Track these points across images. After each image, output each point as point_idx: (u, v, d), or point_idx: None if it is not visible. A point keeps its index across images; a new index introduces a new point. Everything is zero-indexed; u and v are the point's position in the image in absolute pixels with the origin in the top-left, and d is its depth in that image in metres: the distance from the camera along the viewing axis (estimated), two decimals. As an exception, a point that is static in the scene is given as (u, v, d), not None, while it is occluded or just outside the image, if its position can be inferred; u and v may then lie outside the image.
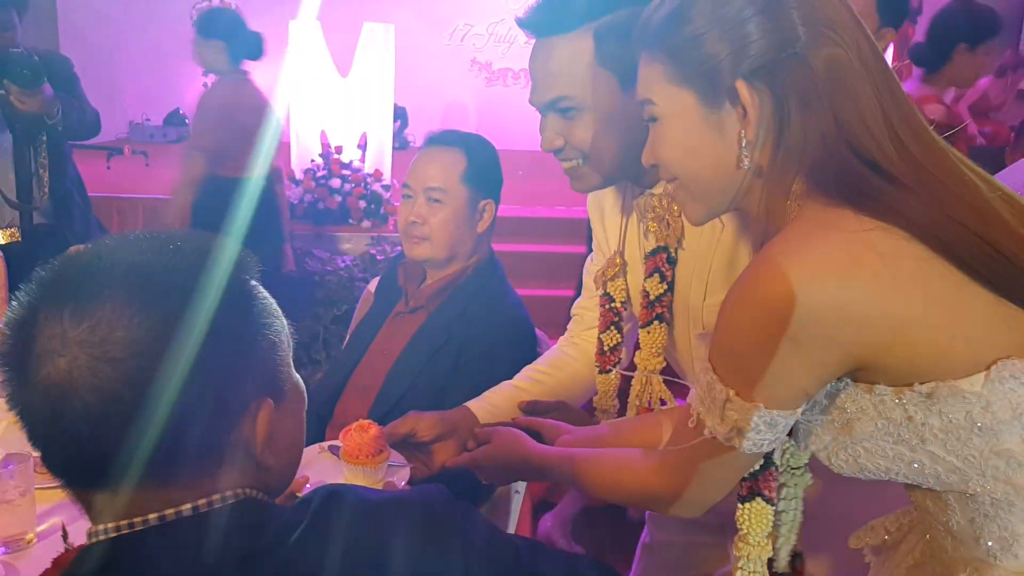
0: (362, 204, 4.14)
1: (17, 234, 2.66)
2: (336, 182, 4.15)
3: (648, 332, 1.28)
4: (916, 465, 0.86)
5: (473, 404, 1.45)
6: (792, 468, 0.95)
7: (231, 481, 0.75)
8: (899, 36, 2.72)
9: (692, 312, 1.26)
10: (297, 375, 0.86)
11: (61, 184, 2.73)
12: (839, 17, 0.84)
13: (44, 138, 2.64)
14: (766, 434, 0.85)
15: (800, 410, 0.86)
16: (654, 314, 1.27)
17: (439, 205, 1.74)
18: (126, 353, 0.69)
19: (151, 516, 0.72)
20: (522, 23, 1.20)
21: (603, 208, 1.42)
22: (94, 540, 0.73)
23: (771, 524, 0.98)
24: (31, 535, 1.34)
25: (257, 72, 7.82)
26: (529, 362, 1.61)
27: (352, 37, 4.48)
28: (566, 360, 1.55)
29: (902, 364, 0.81)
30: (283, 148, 4.70)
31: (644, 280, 1.26)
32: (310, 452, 1.47)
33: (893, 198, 0.81)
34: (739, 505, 0.98)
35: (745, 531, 0.98)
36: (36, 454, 1.44)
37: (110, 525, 0.72)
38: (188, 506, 0.73)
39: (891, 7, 2.33)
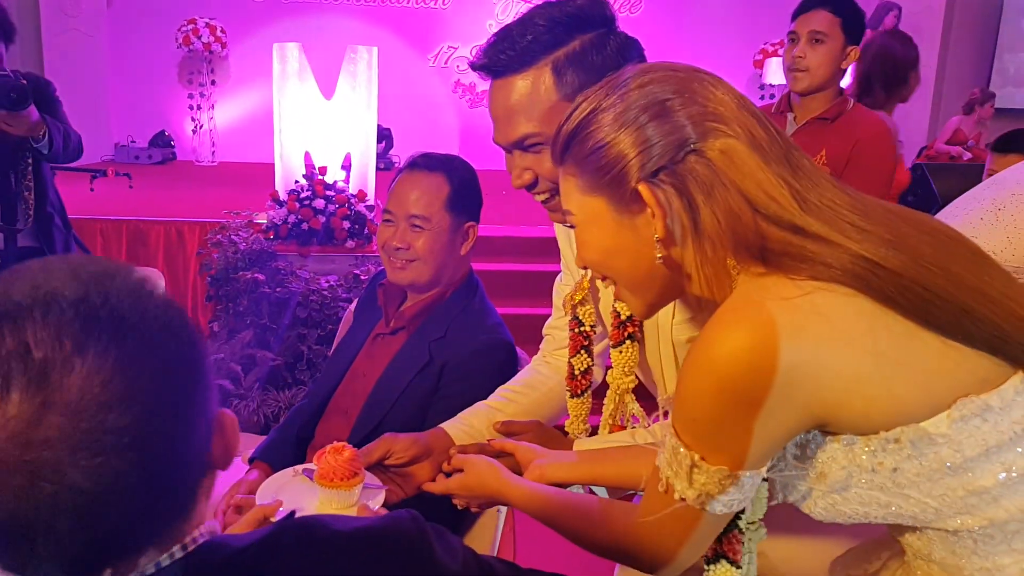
0: (346, 225, 4.16)
1: (-1, 257, 2.68)
2: (320, 203, 4.16)
3: (620, 352, 1.30)
4: (893, 508, 0.88)
5: (448, 425, 1.46)
6: (748, 523, 0.97)
7: (196, 520, 0.71)
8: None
9: (662, 331, 1.28)
10: None
11: (43, 207, 2.74)
12: (724, 109, 0.90)
13: (29, 160, 2.66)
14: (735, 495, 0.87)
15: (765, 468, 0.88)
16: (625, 334, 1.29)
17: (422, 231, 1.74)
18: (89, 424, 0.59)
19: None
20: (476, 66, 1.20)
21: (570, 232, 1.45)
22: None
23: None
24: None
25: (242, 93, 7.82)
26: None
27: (336, 59, 4.52)
28: (540, 379, 1.56)
29: (862, 416, 0.84)
30: (268, 169, 4.73)
31: (614, 301, 1.28)
32: (284, 475, 1.46)
33: (818, 253, 0.84)
34: (704, 567, 0.99)
35: None
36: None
37: None
38: (151, 566, 0.67)
39: (853, 27, 2.44)
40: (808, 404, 0.83)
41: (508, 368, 1.72)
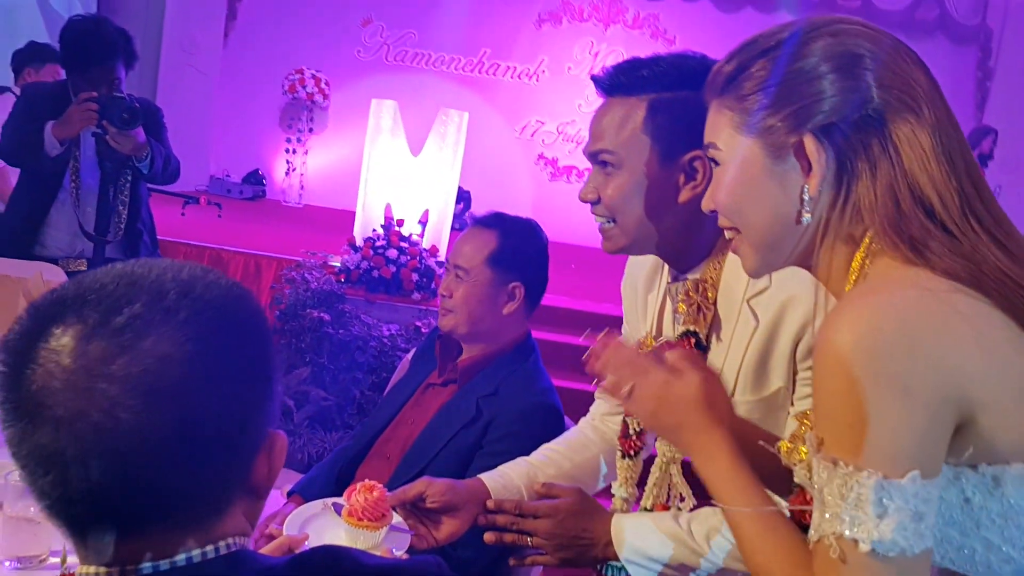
0: (415, 277, 4.25)
1: (85, 265, 2.81)
2: (393, 252, 4.27)
3: None
4: (967, 551, 0.80)
5: (486, 477, 1.45)
6: None
7: (230, 525, 0.71)
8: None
9: None
10: None
11: (134, 223, 2.88)
12: (916, 83, 0.84)
13: (129, 178, 2.81)
14: (928, 517, 0.75)
15: (936, 482, 0.77)
16: None
17: (461, 281, 1.80)
18: (152, 375, 0.63)
19: (144, 564, 0.67)
20: (596, 79, 1.29)
21: (637, 287, 1.45)
22: None
23: None
24: (45, 555, 1.37)
25: (336, 141, 8.12)
26: None
27: (428, 118, 4.68)
28: (585, 443, 1.54)
29: (984, 434, 0.77)
30: (349, 216, 4.88)
31: None
32: (313, 507, 1.46)
33: (971, 259, 0.80)
34: None
35: None
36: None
37: (101, 570, 0.67)
38: (182, 556, 0.68)
39: None
40: (957, 395, 0.75)
41: (554, 433, 1.70)
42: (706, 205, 0.97)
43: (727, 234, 0.96)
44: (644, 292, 1.43)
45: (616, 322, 1.65)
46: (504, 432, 1.70)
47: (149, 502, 0.65)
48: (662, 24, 7.86)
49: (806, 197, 0.85)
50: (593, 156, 1.28)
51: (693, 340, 1.25)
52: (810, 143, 0.85)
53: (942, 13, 7.61)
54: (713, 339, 1.25)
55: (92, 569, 0.67)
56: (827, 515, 0.77)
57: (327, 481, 1.89)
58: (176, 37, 7.35)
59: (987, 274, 0.79)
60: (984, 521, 0.79)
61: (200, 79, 7.39)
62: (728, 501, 0.91)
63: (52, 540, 1.37)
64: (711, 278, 1.24)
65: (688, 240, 1.25)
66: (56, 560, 1.36)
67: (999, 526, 0.79)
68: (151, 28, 7.25)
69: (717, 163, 0.93)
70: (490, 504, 1.34)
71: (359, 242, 4.43)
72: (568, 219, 7.41)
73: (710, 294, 1.23)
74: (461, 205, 6.93)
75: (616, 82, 1.26)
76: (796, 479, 0.88)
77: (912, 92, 0.83)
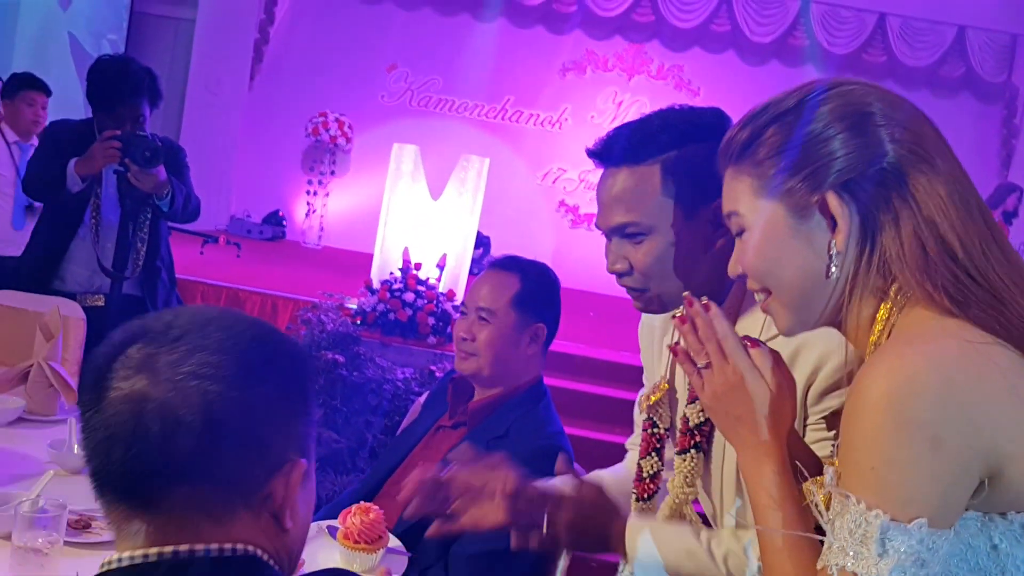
0: (431, 321, 4.22)
1: (103, 300, 2.81)
2: (410, 296, 4.25)
3: (683, 459, 1.25)
4: None
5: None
6: None
7: (249, 535, 0.77)
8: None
9: (729, 450, 1.23)
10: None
11: (152, 261, 2.89)
12: (926, 136, 0.87)
13: (149, 215, 2.82)
14: (932, 565, 0.77)
15: (951, 532, 0.79)
16: (692, 442, 1.25)
17: (486, 324, 1.81)
18: (208, 380, 0.74)
19: (166, 549, 0.74)
20: (592, 153, 1.28)
21: (654, 332, 1.44)
22: (106, 569, 0.75)
23: None
24: (52, 586, 1.36)
25: (357, 184, 8.21)
26: None
27: (450, 163, 4.71)
28: (629, 468, 1.51)
29: (1013, 486, 0.79)
30: (367, 259, 4.89)
31: (686, 406, 1.25)
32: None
33: (996, 311, 0.81)
34: None
35: None
36: (71, 508, 1.48)
37: (136, 552, 0.75)
38: (201, 547, 0.75)
39: None
40: (987, 449, 0.77)
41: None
42: (732, 271, 0.98)
43: (757, 297, 0.98)
44: (660, 335, 1.42)
45: (635, 372, 1.62)
46: None
47: (174, 486, 0.74)
48: (686, 75, 7.92)
49: (834, 252, 0.88)
50: (617, 230, 1.26)
51: None
52: (832, 199, 0.87)
53: (968, 71, 7.63)
54: None
55: (127, 552, 0.75)
56: (835, 546, 0.80)
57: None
58: (202, 77, 7.48)
59: (1014, 324, 0.81)
60: (1010, 567, 0.81)
61: (224, 119, 7.50)
62: (762, 511, 0.92)
63: (59, 570, 1.38)
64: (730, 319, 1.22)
65: (720, 284, 1.25)
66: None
67: (1021, 570, 0.81)
68: (177, 67, 7.40)
69: (743, 229, 0.95)
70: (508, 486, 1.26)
71: (376, 284, 4.42)
72: (588, 266, 7.39)
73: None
74: (480, 250, 6.94)
75: (619, 153, 1.25)
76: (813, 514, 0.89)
77: (924, 144, 0.87)
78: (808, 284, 0.90)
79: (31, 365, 2.18)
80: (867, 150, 0.86)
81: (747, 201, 0.93)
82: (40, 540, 1.35)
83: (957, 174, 0.87)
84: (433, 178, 4.67)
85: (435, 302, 4.28)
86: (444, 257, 4.51)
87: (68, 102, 5.39)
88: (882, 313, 0.87)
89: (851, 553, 0.78)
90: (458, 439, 1.82)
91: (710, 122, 1.23)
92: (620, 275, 1.27)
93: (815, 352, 1.14)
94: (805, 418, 1.18)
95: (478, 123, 7.97)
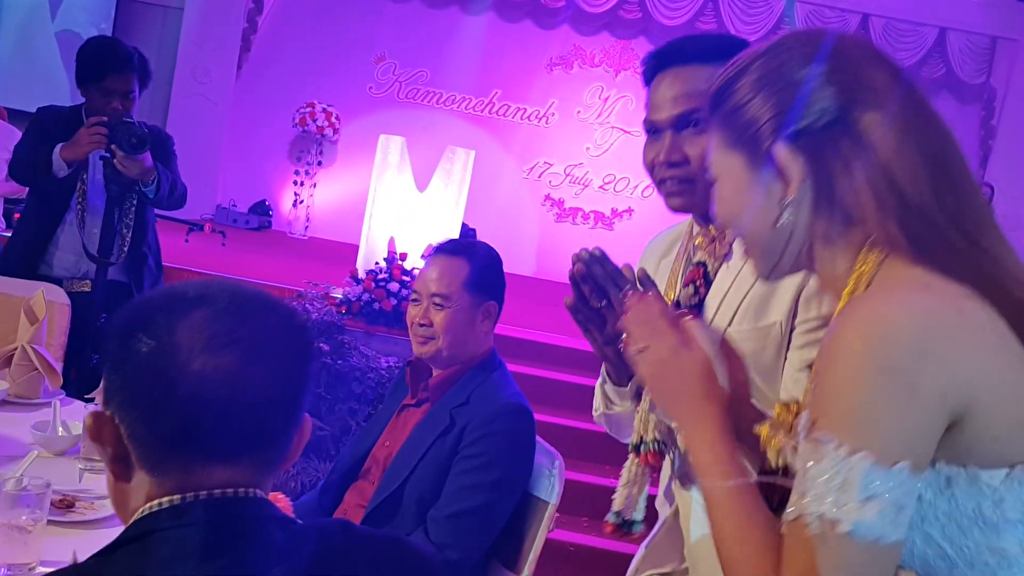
0: (414, 309, 4.26)
1: (89, 286, 2.82)
2: (395, 286, 4.28)
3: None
4: (907, 543, 0.82)
5: None
6: None
7: (268, 482, 0.87)
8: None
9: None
10: None
11: (139, 247, 2.90)
12: (879, 84, 0.88)
13: (134, 201, 2.84)
14: (906, 504, 0.77)
15: (920, 477, 0.79)
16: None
17: (442, 309, 1.89)
18: (271, 352, 0.84)
19: (202, 493, 0.81)
20: (655, 53, 1.34)
21: (649, 261, 1.49)
22: (144, 513, 0.81)
23: None
24: (35, 563, 1.37)
25: (344, 175, 8.20)
26: (529, 445, 1.77)
27: (436, 155, 4.73)
28: None
29: (960, 437, 0.80)
30: (353, 249, 4.91)
31: (680, 290, 1.31)
32: None
33: (958, 258, 0.82)
34: None
35: None
36: (55, 488, 1.50)
37: (176, 496, 0.81)
38: (253, 490, 0.83)
39: None
40: (953, 400, 0.78)
41: (525, 430, 1.83)
42: (713, 217, 1.02)
43: (737, 244, 1.01)
44: (659, 259, 1.47)
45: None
46: (478, 435, 1.79)
47: (256, 431, 0.84)
48: (671, 71, 7.96)
49: (786, 201, 0.90)
50: (682, 119, 1.29)
51: (702, 270, 1.32)
52: (781, 151, 0.89)
53: (948, 71, 7.73)
54: (723, 267, 1.31)
55: (166, 499, 0.81)
56: (811, 494, 0.78)
57: (311, 509, 1.98)
58: (189, 66, 7.46)
59: (977, 271, 0.82)
60: (929, 517, 0.81)
61: (211, 108, 7.48)
62: (706, 472, 0.92)
63: (42, 549, 1.39)
64: None
65: None
66: (45, 570, 1.36)
67: (942, 523, 0.81)
68: (165, 56, 7.37)
69: (714, 180, 0.99)
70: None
71: (361, 274, 4.44)
72: (570, 258, 7.35)
73: (728, 233, 1.29)
74: (465, 242, 6.96)
75: (695, 50, 1.31)
76: (769, 459, 0.91)
77: (870, 88, 0.87)
78: (766, 232, 0.93)
79: (15, 348, 2.19)
80: (818, 101, 0.87)
81: (716, 154, 0.97)
82: (24, 518, 1.36)
83: (914, 121, 0.87)
84: (419, 169, 4.69)
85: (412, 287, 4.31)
86: (429, 247, 4.53)
87: (54, 92, 5.38)
88: (859, 264, 0.88)
89: (829, 500, 0.77)
90: (422, 414, 1.91)
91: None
92: (672, 165, 1.30)
93: None
94: (794, 317, 1.22)
95: (465, 116, 7.98)
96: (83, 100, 2.82)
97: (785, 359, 1.22)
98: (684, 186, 1.31)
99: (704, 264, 1.32)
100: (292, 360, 0.86)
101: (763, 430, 0.94)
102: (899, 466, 0.76)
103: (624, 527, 1.36)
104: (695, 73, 1.29)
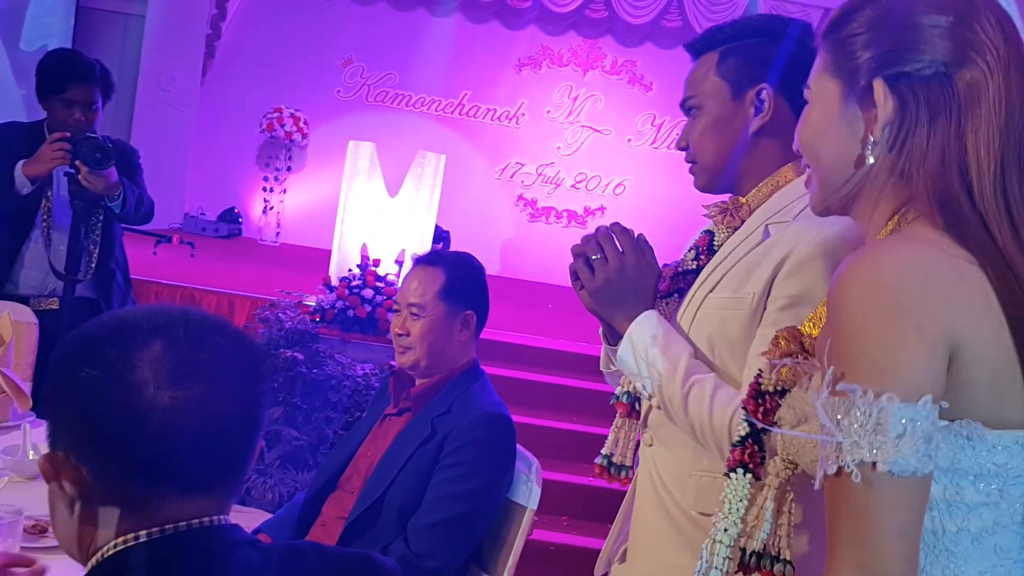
0: (390, 316, 4.23)
1: (56, 303, 2.78)
2: (369, 292, 4.26)
3: (665, 304, 1.39)
4: None
5: None
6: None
7: (229, 504, 0.87)
8: None
9: (694, 300, 1.35)
10: None
11: (106, 263, 2.86)
12: (993, 45, 0.86)
13: (101, 217, 2.80)
14: (932, 434, 0.79)
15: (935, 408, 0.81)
16: (675, 287, 1.41)
17: (418, 318, 1.92)
18: (232, 378, 0.84)
19: (180, 523, 0.82)
20: (687, 46, 1.47)
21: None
22: (119, 549, 0.81)
23: None
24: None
25: (314, 181, 8.12)
26: (509, 454, 1.80)
27: (406, 159, 4.71)
28: None
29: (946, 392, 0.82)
30: (326, 256, 4.87)
31: (686, 251, 1.42)
32: None
33: (981, 241, 0.84)
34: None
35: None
36: (27, 514, 1.48)
37: (154, 529, 0.81)
38: (207, 519, 0.83)
39: None
40: (951, 348, 0.80)
41: (506, 440, 1.85)
42: (795, 143, 1.02)
43: (806, 170, 1.02)
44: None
45: (591, 361, 1.68)
46: (459, 444, 1.81)
47: (226, 462, 0.85)
48: (639, 70, 7.98)
49: (870, 140, 0.90)
50: (683, 106, 1.43)
51: (708, 238, 1.41)
52: (879, 88, 0.89)
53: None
54: (730, 239, 1.38)
55: (143, 533, 0.81)
56: (847, 443, 0.80)
57: (289, 519, 1.98)
58: (153, 74, 7.35)
59: (996, 255, 0.83)
60: None
61: (177, 115, 7.38)
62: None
63: None
64: (753, 199, 1.37)
65: (751, 165, 1.38)
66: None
67: None
68: (127, 64, 7.27)
69: (807, 102, 0.99)
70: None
71: (334, 281, 4.41)
72: (546, 259, 7.41)
73: (743, 210, 1.37)
74: (440, 245, 6.95)
75: (700, 44, 1.43)
76: (781, 413, 0.96)
77: (985, 53, 0.86)
78: (837, 164, 0.94)
79: (-17, 371, 2.15)
80: (924, 46, 0.87)
81: (816, 75, 0.97)
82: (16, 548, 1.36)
83: (1012, 88, 0.86)
84: (390, 174, 4.67)
85: (394, 298, 4.29)
86: (403, 253, 4.51)
87: (10, 108, 5.28)
88: (891, 224, 0.90)
89: (865, 445, 0.79)
90: (404, 424, 1.92)
91: (762, 21, 1.43)
92: (681, 149, 1.44)
93: (797, 249, 1.25)
94: (765, 307, 1.27)
95: (435, 118, 7.95)
96: (43, 115, 2.78)
97: (755, 337, 1.28)
98: (693, 168, 1.42)
99: (711, 233, 1.41)
100: (250, 382, 0.87)
101: (799, 399, 0.95)
102: (923, 400, 0.78)
103: (612, 470, 1.44)
104: (701, 62, 1.41)
